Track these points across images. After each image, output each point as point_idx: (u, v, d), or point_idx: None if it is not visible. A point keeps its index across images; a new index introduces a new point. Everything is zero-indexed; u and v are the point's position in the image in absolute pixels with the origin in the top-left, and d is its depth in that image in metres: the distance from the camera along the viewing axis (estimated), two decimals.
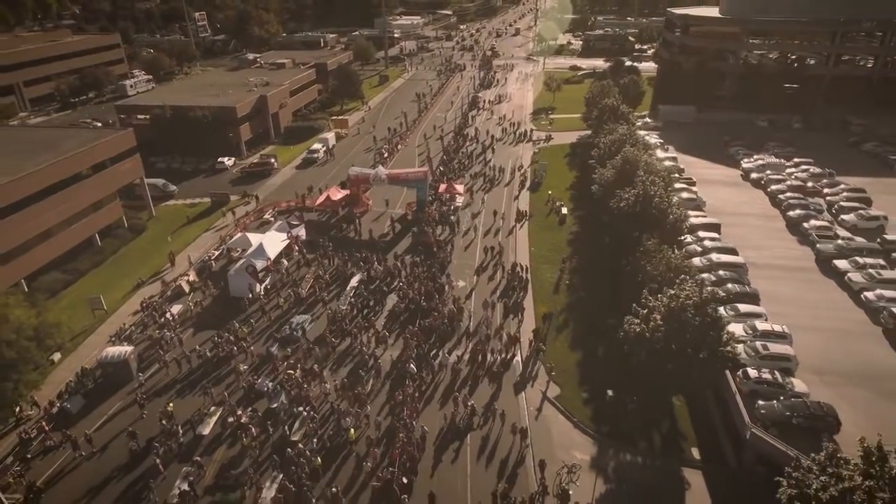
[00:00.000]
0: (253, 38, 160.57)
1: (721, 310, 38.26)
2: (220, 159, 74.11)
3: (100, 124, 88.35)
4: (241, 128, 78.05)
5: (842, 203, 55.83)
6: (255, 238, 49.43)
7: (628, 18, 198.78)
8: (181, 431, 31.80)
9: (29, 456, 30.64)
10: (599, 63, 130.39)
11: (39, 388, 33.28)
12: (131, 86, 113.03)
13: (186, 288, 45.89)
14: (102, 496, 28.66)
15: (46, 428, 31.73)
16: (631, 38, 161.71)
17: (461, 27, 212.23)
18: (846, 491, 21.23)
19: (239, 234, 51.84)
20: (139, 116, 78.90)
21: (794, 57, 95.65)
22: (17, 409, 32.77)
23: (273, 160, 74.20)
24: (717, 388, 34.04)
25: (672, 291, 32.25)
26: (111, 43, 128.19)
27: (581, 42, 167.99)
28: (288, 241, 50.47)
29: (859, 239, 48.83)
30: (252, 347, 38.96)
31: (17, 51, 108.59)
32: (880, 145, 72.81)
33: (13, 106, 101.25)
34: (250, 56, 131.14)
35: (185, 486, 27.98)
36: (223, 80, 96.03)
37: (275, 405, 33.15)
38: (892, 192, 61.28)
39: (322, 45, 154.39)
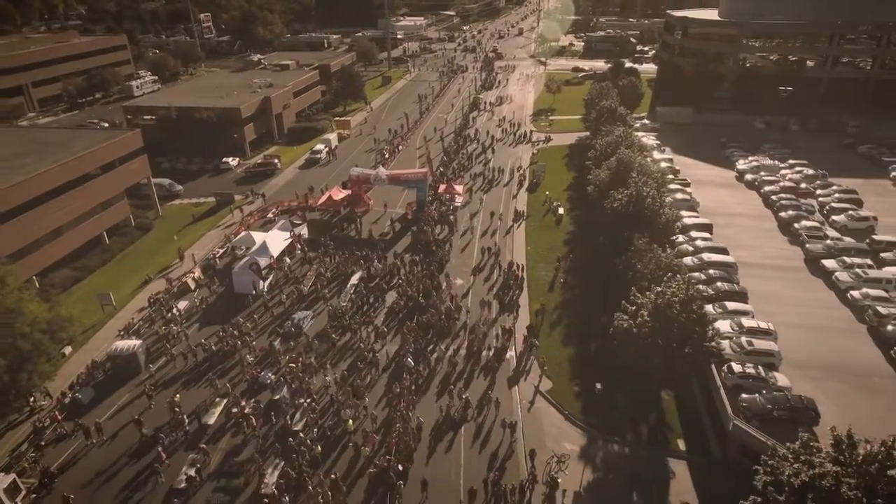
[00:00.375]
0: (257, 39, 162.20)
1: (709, 307, 39.65)
2: (224, 159, 75.57)
3: (107, 125, 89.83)
4: (246, 128, 79.51)
5: (833, 204, 56.88)
6: (258, 236, 50.88)
7: (630, 20, 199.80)
8: (187, 421, 33.21)
9: (43, 443, 32.08)
10: (601, 64, 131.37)
11: (52, 378, 34.78)
12: (137, 87, 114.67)
13: (192, 285, 47.33)
14: (112, 481, 30.10)
15: (59, 417, 33.24)
16: (632, 40, 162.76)
17: (464, 28, 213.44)
18: (816, 477, 22.42)
19: (243, 233, 53.27)
20: (145, 117, 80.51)
21: (794, 59, 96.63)
22: (32, 399, 34.22)
23: (276, 160, 75.66)
24: (703, 382, 35.35)
25: (659, 289, 33.51)
26: (118, 44, 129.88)
27: (583, 43, 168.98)
28: (290, 240, 51.87)
29: (848, 239, 49.94)
30: (255, 342, 40.34)
31: (26, 52, 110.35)
32: (875, 147, 73.75)
33: (22, 106, 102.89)
34: (254, 57, 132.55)
35: (192, 472, 29.38)
36: (228, 82, 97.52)
37: (277, 397, 34.50)
38: (884, 193, 62.52)
39: (326, 46, 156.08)
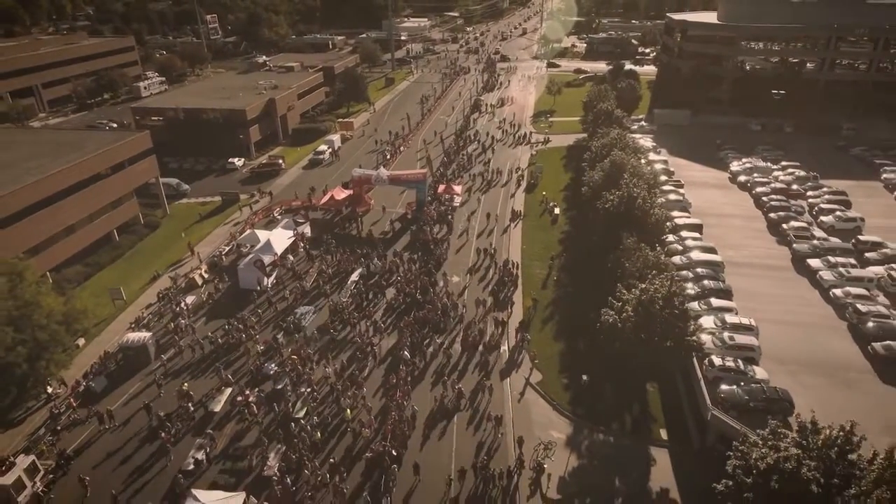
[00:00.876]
0: (263, 40, 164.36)
1: (694, 304, 41.36)
2: (230, 160, 77.51)
3: (116, 125, 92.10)
4: (251, 129, 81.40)
5: (822, 205, 58.24)
6: (263, 235, 52.75)
7: (633, 21, 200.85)
8: (192, 408, 35.15)
9: (59, 428, 34.10)
10: (602, 66, 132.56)
11: (68, 367, 36.74)
12: (145, 87, 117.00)
13: (199, 281, 49.24)
14: (124, 463, 32.07)
15: (74, 404, 35.23)
16: (634, 42, 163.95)
17: (468, 29, 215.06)
18: (780, 460, 24.05)
19: (248, 231, 55.18)
20: (153, 118, 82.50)
21: (795, 61, 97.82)
22: (49, 387, 36.18)
23: (281, 161, 77.60)
24: (686, 374, 36.94)
25: (643, 285, 35.13)
26: (126, 46, 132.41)
27: (585, 45, 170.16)
28: (294, 238, 53.69)
29: (834, 239, 51.39)
30: (259, 335, 42.19)
31: (37, 53, 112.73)
32: (868, 149, 75.02)
33: (33, 107, 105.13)
34: (260, 59, 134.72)
35: (199, 456, 31.27)
36: (233, 83, 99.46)
37: (280, 386, 36.33)
38: (874, 195, 63.81)
39: (330, 47, 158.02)
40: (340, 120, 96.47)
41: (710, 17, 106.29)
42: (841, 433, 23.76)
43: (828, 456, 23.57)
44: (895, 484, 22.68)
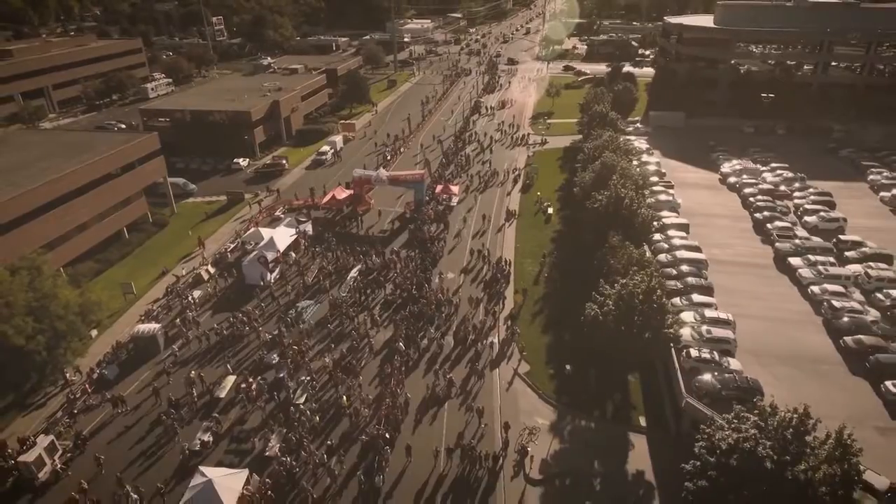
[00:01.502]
0: (268, 42, 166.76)
1: (676, 299, 43.44)
2: (235, 160, 79.74)
3: (124, 126, 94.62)
4: (256, 131, 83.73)
5: (806, 206, 60.06)
6: (266, 232, 55.01)
7: (633, 23, 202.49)
8: (196, 395, 37.45)
9: (75, 411, 36.45)
10: (602, 68, 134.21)
11: (83, 356, 39.12)
12: (152, 89, 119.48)
13: (205, 276, 51.56)
14: (136, 444, 34.41)
15: (89, 390, 37.60)
16: (634, 44, 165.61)
17: (470, 31, 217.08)
18: (740, 440, 26.11)
19: (252, 229, 57.49)
20: (161, 119, 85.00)
21: (792, 63, 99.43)
22: (66, 373, 38.53)
23: (284, 161, 79.89)
24: (666, 366, 38.98)
25: (623, 280, 37.21)
26: (134, 48, 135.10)
27: (586, 47, 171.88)
28: (296, 236, 55.92)
29: (816, 239, 53.20)
30: (262, 328, 44.42)
31: (48, 56, 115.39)
32: (856, 151, 76.77)
33: (43, 108, 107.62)
34: (265, 61, 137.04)
35: (205, 437, 33.54)
36: (239, 85, 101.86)
37: (281, 374, 38.56)
38: (860, 196, 65.65)
39: (334, 48, 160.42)
40: (343, 121, 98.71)
41: (707, 21, 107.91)
42: (795, 415, 25.80)
43: (783, 436, 25.62)
44: (844, 462, 24.76)
